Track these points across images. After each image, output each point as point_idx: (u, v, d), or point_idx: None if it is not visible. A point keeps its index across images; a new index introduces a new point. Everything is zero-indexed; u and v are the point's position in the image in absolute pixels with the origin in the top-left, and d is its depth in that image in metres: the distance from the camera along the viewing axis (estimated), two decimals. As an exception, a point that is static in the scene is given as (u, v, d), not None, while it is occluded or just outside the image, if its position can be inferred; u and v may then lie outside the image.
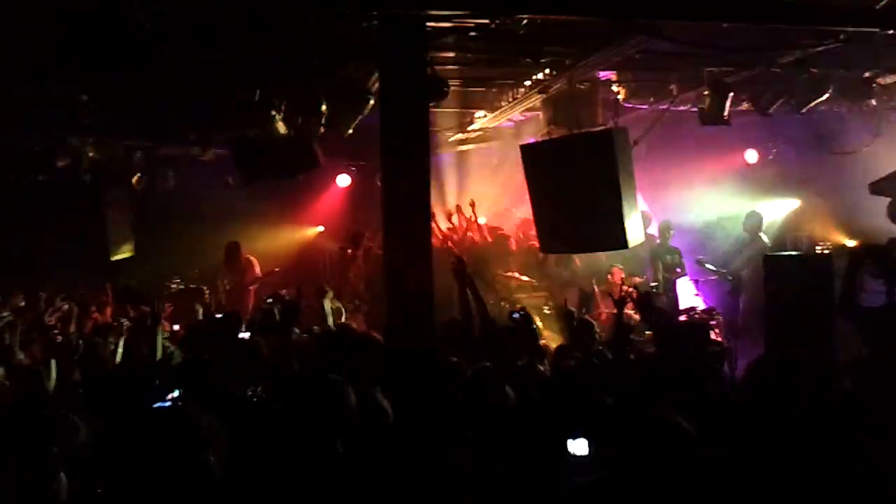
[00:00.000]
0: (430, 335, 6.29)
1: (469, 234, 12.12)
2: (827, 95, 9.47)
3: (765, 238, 11.45)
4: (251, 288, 12.02)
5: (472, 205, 12.33)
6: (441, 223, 11.67)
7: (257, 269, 12.21)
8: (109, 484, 3.70)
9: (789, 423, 3.76)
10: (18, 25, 6.96)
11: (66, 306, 9.00)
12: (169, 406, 4.88)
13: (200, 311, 9.21)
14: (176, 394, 5.02)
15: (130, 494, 3.37)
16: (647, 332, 9.25)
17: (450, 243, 11.64)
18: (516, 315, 6.83)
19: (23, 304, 9.47)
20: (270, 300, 7.96)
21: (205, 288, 11.37)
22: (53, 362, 5.99)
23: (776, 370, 4.01)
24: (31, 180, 10.66)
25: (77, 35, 7.08)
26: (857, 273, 5.73)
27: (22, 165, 10.38)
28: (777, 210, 12.71)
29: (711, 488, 3.24)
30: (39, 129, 10.02)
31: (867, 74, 9.52)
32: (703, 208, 12.69)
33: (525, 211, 11.80)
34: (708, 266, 11.42)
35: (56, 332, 8.08)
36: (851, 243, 10.83)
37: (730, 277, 11.23)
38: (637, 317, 9.96)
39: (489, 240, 11.92)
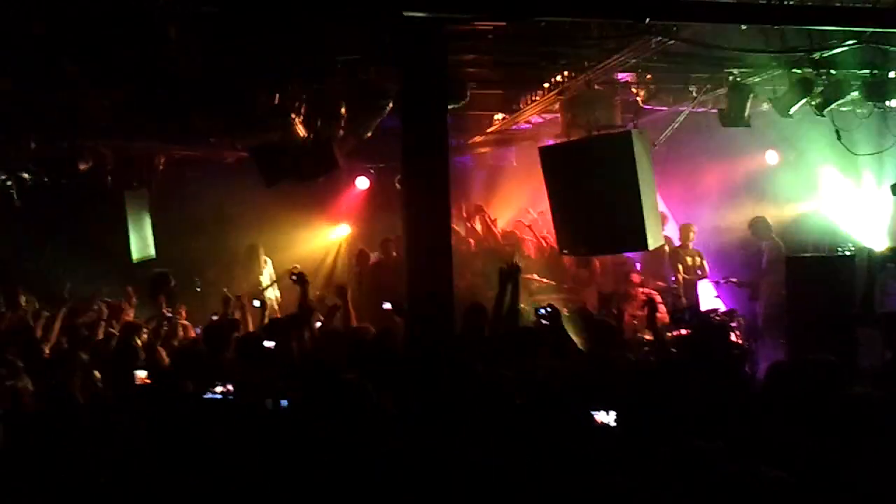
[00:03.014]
0: (451, 337, 6.30)
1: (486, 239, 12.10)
2: (849, 97, 9.40)
3: (777, 240, 11.42)
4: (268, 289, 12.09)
5: (483, 209, 12.32)
6: (459, 227, 11.65)
7: (271, 270, 12.34)
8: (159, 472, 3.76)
9: (809, 426, 3.74)
10: (42, 29, 7.03)
11: (96, 306, 9.10)
12: (221, 398, 4.93)
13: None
14: (230, 387, 5.06)
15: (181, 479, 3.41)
16: (669, 335, 9.24)
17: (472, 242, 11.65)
18: (543, 311, 6.85)
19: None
20: (295, 277, 8.05)
21: (225, 290, 11.43)
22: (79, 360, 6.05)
23: (797, 374, 4.00)
24: (53, 183, 10.74)
25: (99, 38, 7.16)
26: (877, 276, 5.69)
27: (44, 168, 10.46)
28: (796, 212, 12.64)
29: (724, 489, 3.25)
30: (61, 132, 10.10)
31: (891, 75, 9.44)
32: (724, 211, 12.63)
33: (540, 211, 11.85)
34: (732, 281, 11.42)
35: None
36: (873, 246, 10.75)
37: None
38: (661, 318, 9.97)
39: (503, 243, 11.90)
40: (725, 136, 10.63)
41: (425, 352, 5.90)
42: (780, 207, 12.17)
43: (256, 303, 9.34)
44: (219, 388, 4.90)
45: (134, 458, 4.14)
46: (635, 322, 10.10)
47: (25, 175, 10.46)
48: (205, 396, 4.82)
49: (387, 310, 8.18)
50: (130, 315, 9.41)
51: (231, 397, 4.88)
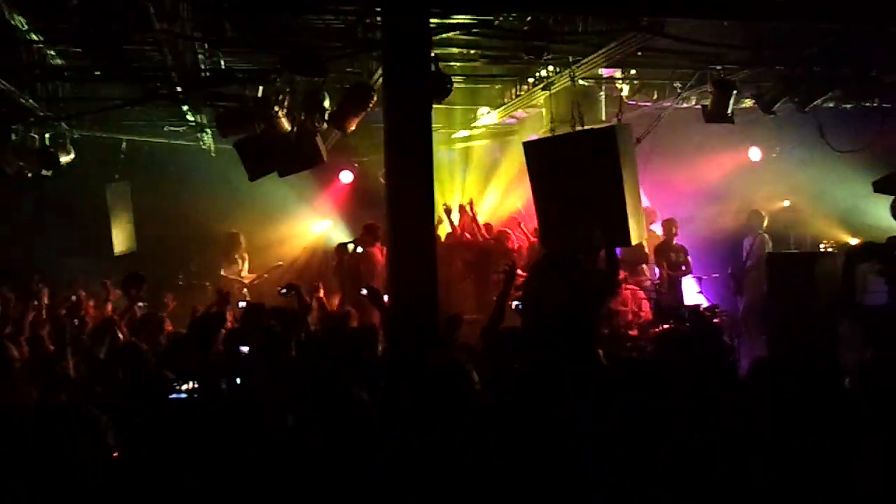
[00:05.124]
0: (434, 331, 6.28)
1: (469, 232, 12.06)
2: (832, 93, 9.45)
3: (766, 237, 11.48)
4: (246, 284, 12.06)
5: (471, 204, 12.27)
6: (441, 229, 11.58)
7: (246, 266, 12.32)
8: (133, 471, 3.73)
9: (791, 423, 3.76)
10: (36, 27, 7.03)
11: (74, 297, 9.04)
12: (186, 398, 4.89)
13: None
14: (190, 385, 5.03)
15: (154, 482, 3.39)
16: (653, 331, 9.25)
17: (467, 236, 11.62)
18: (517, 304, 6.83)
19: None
20: (285, 290, 7.95)
21: (207, 284, 11.41)
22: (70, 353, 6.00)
23: (778, 371, 4.01)
24: (34, 175, 10.67)
25: (86, 33, 7.15)
26: (854, 271, 5.68)
27: (25, 160, 10.39)
28: (776, 207, 12.71)
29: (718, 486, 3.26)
30: (42, 124, 10.04)
31: (873, 72, 9.50)
32: (707, 206, 12.68)
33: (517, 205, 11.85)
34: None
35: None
36: (854, 241, 10.83)
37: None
38: (645, 314, 9.99)
39: (488, 237, 11.87)
40: (709, 132, 10.67)
41: (408, 345, 5.89)
42: (762, 203, 12.22)
43: (242, 304, 9.28)
44: (184, 387, 4.86)
45: (123, 457, 4.11)
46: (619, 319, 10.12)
47: (6, 168, 10.37)
48: (170, 396, 4.77)
49: (363, 296, 8.11)
50: (108, 308, 9.36)
51: (196, 395, 4.83)
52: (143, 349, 6.09)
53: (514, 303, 6.92)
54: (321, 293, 8.37)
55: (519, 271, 10.57)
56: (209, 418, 4.48)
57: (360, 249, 11.43)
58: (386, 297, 6.68)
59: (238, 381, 5.56)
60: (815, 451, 3.63)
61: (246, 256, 12.44)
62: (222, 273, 12.06)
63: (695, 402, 4.30)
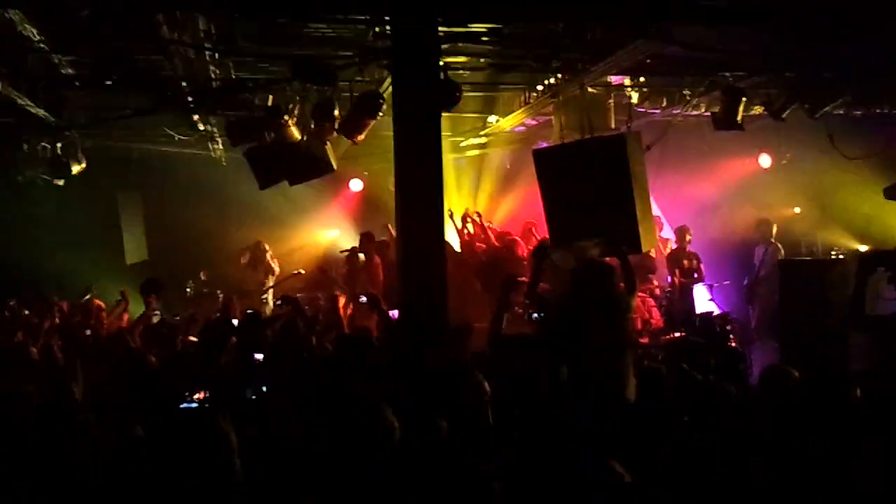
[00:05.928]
0: (443, 336, 6.28)
1: (479, 241, 12.04)
2: (841, 99, 9.42)
3: (779, 245, 11.45)
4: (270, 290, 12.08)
5: (479, 214, 12.25)
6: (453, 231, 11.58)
7: (276, 270, 12.32)
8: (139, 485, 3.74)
9: (798, 428, 3.75)
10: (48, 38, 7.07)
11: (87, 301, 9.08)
12: (196, 408, 4.90)
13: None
14: (201, 395, 5.04)
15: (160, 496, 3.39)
16: (664, 338, 9.23)
17: (477, 244, 11.61)
18: (536, 316, 6.83)
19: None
20: (280, 302, 7.95)
21: (218, 292, 11.42)
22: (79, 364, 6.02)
23: (789, 378, 4.00)
24: (45, 185, 10.73)
25: (93, 38, 7.19)
26: (866, 282, 5.66)
27: (37, 170, 10.45)
28: (788, 215, 12.68)
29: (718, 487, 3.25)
30: (54, 133, 10.09)
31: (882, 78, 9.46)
32: (718, 214, 12.66)
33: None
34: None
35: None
36: (864, 248, 10.79)
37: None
38: (655, 322, 9.95)
39: (499, 245, 11.84)
40: (718, 139, 10.65)
41: (417, 351, 5.90)
42: (772, 210, 12.20)
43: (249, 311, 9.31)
44: (195, 396, 4.86)
45: (130, 463, 4.11)
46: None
47: (18, 177, 10.44)
48: (181, 406, 4.77)
49: (362, 303, 8.12)
50: (125, 319, 9.40)
51: (207, 405, 4.84)
52: (149, 359, 6.09)
53: (533, 315, 6.94)
54: (340, 304, 8.34)
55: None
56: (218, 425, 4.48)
57: (361, 257, 11.46)
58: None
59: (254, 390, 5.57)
60: (817, 454, 3.63)
61: (270, 262, 12.46)
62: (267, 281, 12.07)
63: (702, 408, 4.30)
